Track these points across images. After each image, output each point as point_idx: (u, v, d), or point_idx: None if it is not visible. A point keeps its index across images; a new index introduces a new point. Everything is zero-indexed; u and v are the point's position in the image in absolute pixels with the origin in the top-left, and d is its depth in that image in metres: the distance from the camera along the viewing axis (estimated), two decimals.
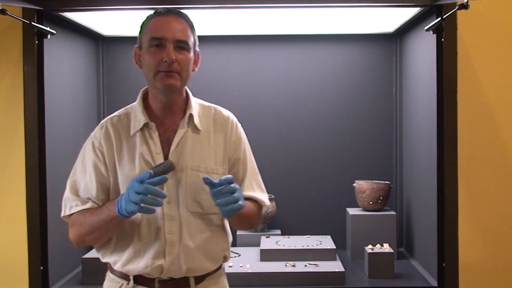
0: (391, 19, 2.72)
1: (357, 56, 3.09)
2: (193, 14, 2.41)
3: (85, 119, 2.86)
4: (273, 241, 2.77)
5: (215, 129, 1.68)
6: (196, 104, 1.69)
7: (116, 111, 1.71)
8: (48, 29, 2.32)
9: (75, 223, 1.59)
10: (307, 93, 3.09)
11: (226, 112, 1.74)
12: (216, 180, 1.47)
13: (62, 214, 1.64)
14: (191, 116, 1.64)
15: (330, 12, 2.55)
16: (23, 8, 2.29)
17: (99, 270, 2.45)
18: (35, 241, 2.34)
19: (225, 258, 1.71)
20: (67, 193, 1.64)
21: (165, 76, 1.55)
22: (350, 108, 3.09)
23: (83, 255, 2.57)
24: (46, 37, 2.34)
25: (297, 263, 2.54)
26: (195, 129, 1.64)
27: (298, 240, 2.78)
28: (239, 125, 1.75)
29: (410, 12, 2.54)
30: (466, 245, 2.36)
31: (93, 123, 2.96)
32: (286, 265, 2.54)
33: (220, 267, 1.71)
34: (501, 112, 2.39)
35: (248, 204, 1.66)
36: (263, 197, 1.74)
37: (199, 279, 1.63)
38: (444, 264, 2.34)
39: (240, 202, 1.47)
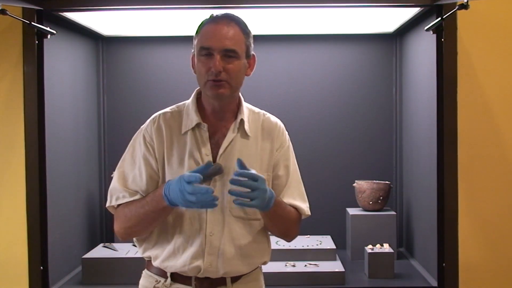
0: (391, 19, 2.72)
1: (357, 56, 3.09)
2: (193, 14, 2.42)
3: (85, 119, 2.86)
4: (273, 241, 2.75)
5: (263, 135, 1.68)
6: (246, 109, 1.69)
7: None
8: (48, 29, 2.32)
9: (121, 216, 1.59)
10: (307, 93, 3.09)
11: (274, 118, 1.75)
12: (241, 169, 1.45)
13: (107, 204, 1.64)
14: (241, 121, 1.65)
15: (330, 12, 2.55)
16: (23, 8, 2.29)
17: (99, 270, 2.48)
18: (35, 241, 2.34)
19: (264, 263, 1.71)
20: (115, 183, 1.63)
21: (213, 85, 1.55)
22: (350, 108, 3.09)
23: (83, 255, 2.57)
24: (46, 37, 2.34)
25: (297, 263, 2.55)
26: (245, 134, 1.64)
27: (298, 240, 2.78)
28: (285, 132, 1.75)
29: (410, 12, 2.55)
30: (466, 245, 2.36)
31: (93, 123, 2.97)
32: (286, 265, 2.54)
33: (257, 267, 1.71)
34: (501, 112, 2.39)
35: (288, 209, 1.65)
36: (304, 206, 1.71)
37: (235, 278, 1.64)
38: (444, 264, 2.34)
39: (253, 202, 1.44)
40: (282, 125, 1.75)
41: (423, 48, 2.61)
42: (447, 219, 2.34)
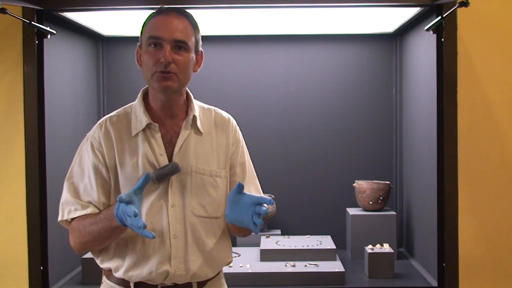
0: (391, 19, 2.72)
1: (357, 56, 3.09)
2: (194, 14, 2.42)
3: (85, 119, 2.86)
4: (273, 241, 2.77)
5: (217, 131, 1.65)
6: (196, 106, 1.65)
7: (115, 111, 1.69)
8: (48, 29, 2.32)
9: (75, 230, 1.54)
10: (307, 93, 3.09)
11: (226, 114, 1.72)
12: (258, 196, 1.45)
13: (59, 218, 1.58)
14: (194, 117, 1.61)
15: (330, 12, 2.55)
16: (23, 7, 2.29)
17: (99, 270, 2.48)
18: (35, 241, 2.34)
19: (229, 263, 1.69)
20: (66, 196, 1.57)
21: (161, 77, 1.50)
22: (350, 108, 3.09)
23: (83, 255, 2.56)
24: (46, 37, 2.34)
25: (297, 263, 2.54)
26: (198, 131, 1.61)
27: (298, 240, 2.78)
28: (238, 127, 1.73)
29: (410, 12, 2.55)
30: (466, 245, 2.36)
31: (93, 123, 2.92)
32: (286, 265, 2.54)
33: (220, 271, 1.70)
34: (501, 111, 2.39)
35: None
36: None
37: (201, 284, 1.61)
38: (444, 264, 2.34)
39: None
40: (234, 121, 1.72)
41: (423, 48, 2.61)
42: (447, 219, 2.34)
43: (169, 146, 1.58)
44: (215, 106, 1.75)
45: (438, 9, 2.30)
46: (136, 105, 1.62)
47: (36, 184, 2.33)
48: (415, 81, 2.77)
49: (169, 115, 1.60)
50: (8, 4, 2.15)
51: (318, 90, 3.09)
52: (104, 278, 1.65)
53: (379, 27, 2.93)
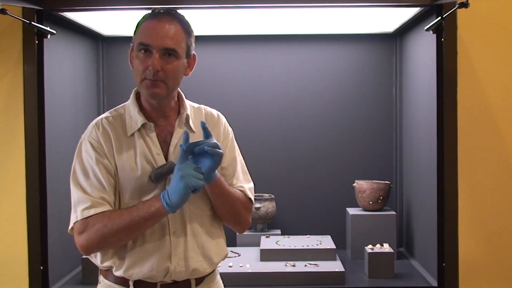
0: (391, 19, 2.72)
1: (357, 56, 3.09)
2: (193, 14, 2.42)
3: (85, 119, 2.85)
4: (273, 241, 2.77)
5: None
6: (188, 105, 1.68)
7: (108, 111, 1.68)
8: (48, 29, 2.32)
9: (94, 226, 1.48)
10: (307, 93, 3.09)
11: (215, 111, 1.75)
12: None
13: (74, 220, 1.52)
14: (187, 116, 1.64)
15: (330, 12, 2.55)
16: (23, 8, 2.29)
17: (99, 270, 2.48)
18: (35, 241, 2.34)
19: (224, 258, 1.71)
20: (77, 195, 1.53)
21: (150, 84, 1.52)
22: (350, 108, 3.09)
23: (83, 255, 2.56)
24: (46, 37, 2.34)
25: (297, 263, 2.54)
26: (190, 129, 1.64)
27: (298, 240, 2.78)
28: (227, 124, 1.75)
29: (410, 12, 2.55)
30: (466, 245, 2.36)
31: None
32: (286, 265, 2.54)
33: (215, 268, 1.72)
34: (501, 111, 2.39)
35: (232, 189, 1.63)
36: (249, 193, 1.70)
37: (199, 281, 1.63)
38: (444, 264, 2.34)
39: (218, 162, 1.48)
40: (223, 117, 1.75)
41: (423, 48, 2.61)
42: (447, 219, 2.34)
43: (164, 145, 1.61)
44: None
45: (438, 9, 2.30)
46: (130, 105, 1.64)
47: (36, 184, 2.33)
48: (415, 81, 2.77)
49: (161, 115, 1.63)
50: (8, 4, 2.15)
51: (318, 90, 3.09)
52: (101, 278, 1.64)
53: (379, 27, 2.93)
